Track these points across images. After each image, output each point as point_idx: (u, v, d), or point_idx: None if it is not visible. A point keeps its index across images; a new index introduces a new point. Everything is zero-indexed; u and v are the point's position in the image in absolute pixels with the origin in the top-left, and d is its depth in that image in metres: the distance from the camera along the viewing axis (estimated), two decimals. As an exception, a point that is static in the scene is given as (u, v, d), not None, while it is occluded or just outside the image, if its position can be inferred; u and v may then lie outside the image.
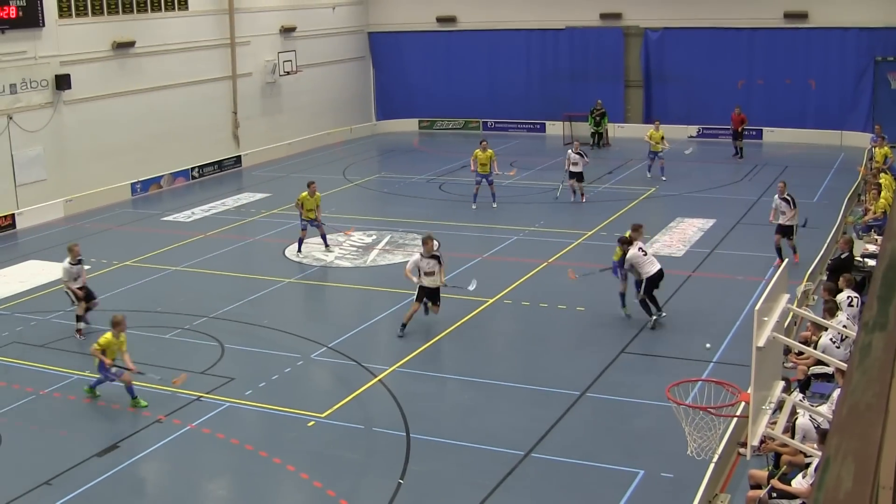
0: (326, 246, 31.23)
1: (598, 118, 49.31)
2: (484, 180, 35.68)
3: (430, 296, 23.59)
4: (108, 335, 19.90)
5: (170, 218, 36.61)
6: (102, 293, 26.21)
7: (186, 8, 43.18)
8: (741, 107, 45.55)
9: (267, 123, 48.07)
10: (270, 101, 49.03)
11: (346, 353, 22.26)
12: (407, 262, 24.53)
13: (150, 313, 25.42)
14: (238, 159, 46.39)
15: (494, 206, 35.93)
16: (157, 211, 37.92)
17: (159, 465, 18.06)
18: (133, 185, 40.67)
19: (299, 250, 30.92)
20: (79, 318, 24.18)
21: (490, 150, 35.69)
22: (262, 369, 21.45)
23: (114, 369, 19.77)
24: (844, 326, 17.89)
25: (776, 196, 27.80)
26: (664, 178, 39.65)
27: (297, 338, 23.35)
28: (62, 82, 37.21)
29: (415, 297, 23.52)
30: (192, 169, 43.70)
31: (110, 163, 39.42)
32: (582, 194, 36.72)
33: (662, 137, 39.53)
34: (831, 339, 18.09)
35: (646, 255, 23.54)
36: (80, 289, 24.24)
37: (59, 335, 23.98)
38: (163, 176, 42.15)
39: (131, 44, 40.33)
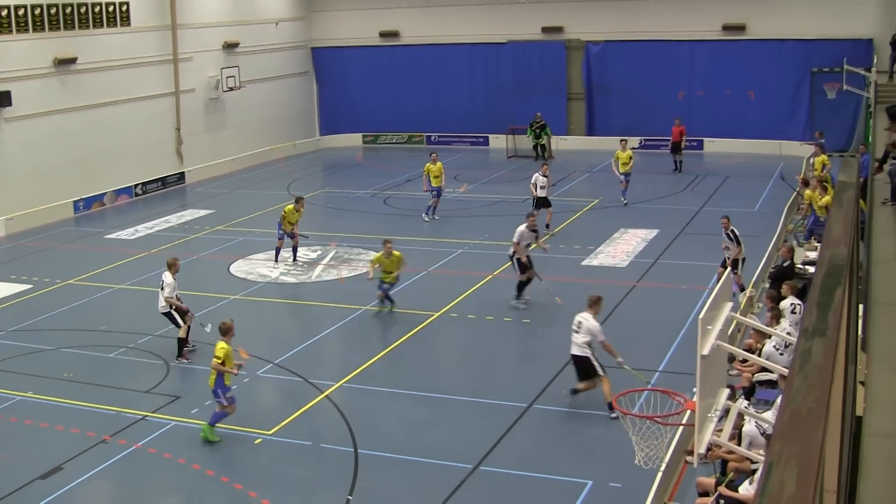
0: (295, 259, 31.40)
1: (537, 130, 49.50)
2: (436, 192, 36.01)
3: None
4: (224, 344, 19.09)
5: (113, 236, 36.37)
6: (46, 312, 26.08)
7: (129, 24, 42.96)
8: (681, 118, 45.83)
9: (210, 139, 47.90)
10: (214, 116, 48.87)
11: (293, 369, 22.21)
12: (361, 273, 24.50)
13: (94, 332, 25.24)
14: (181, 176, 46.19)
15: (426, 218, 36.07)
16: (101, 229, 37.66)
17: (105, 486, 17.87)
18: (76, 202, 40.38)
19: (276, 260, 31.27)
20: (183, 342, 23.34)
21: (440, 163, 35.84)
22: (208, 387, 21.30)
23: (228, 394, 18.90)
24: (788, 333, 18.05)
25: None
26: (625, 202, 38.00)
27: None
28: (2, 99, 36.89)
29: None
30: (136, 186, 43.44)
31: (52, 180, 39.11)
32: (547, 225, 34.01)
33: (630, 158, 38.54)
34: (775, 347, 18.25)
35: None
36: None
37: (1, 355, 23.72)
38: (106, 193, 41.86)
39: (73, 60, 40.05)
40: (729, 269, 20.91)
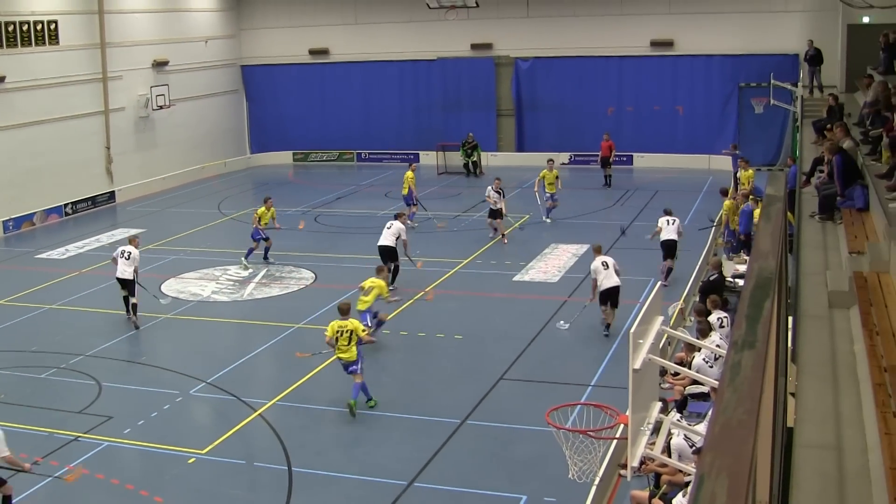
0: (266, 258, 32.89)
1: (469, 150, 49.71)
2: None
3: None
4: (379, 280, 24.01)
5: (43, 255, 36.04)
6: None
7: (57, 42, 42.62)
8: (610, 133, 46.23)
9: (141, 158, 47.59)
10: (144, 135, 48.57)
11: (226, 388, 22.13)
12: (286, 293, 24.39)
13: (25, 353, 25.00)
14: (112, 195, 45.84)
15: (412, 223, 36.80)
16: (31, 248, 37.29)
17: (37, 507, 17.72)
18: (5, 222, 39.96)
19: (246, 258, 32.53)
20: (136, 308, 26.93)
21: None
22: (141, 407, 21.20)
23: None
24: (718, 346, 18.24)
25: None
26: (548, 220, 38.24)
27: (176, 374, 23.15)
28: (-72, 119, 36.52)
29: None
30: (66, 205, 43.07)
31: (-20, 200, 38.73)
32: (503, 234, 35.34)
33: (557, 177, 38.64)
34: (704, 359, 18.41)
35: (606, 268, 24.43)
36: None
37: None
38: (35, 213, 41.47)
39: (1, 79, 39.67)
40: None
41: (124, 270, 26.61)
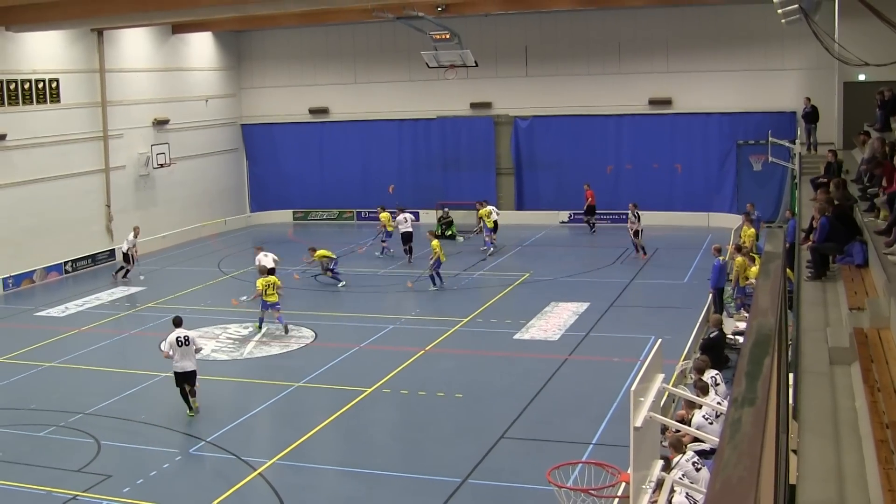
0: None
1: (444, 226, 49.19)
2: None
3: None
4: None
5: (43, 313, 36.03)
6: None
7: (58, 101, 42.85)
8: (589, 183, 48.39)
9: (141, 216, 47.58)
10: (144, 193, 48.71)
11: (225, 446, 22.05)
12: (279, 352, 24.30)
13: (24, 411, 24.94)
14: (112, 253, 45.87)
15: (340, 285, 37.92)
16: (30, 306, 37.29)
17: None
18: (5, 280, 40.00)
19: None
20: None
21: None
22: (140, 466, 21.12)
23: None
24: (718, 403, 18.22)
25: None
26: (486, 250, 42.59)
27: (175, 432, 23.08)
28: (-70, 177, 36.64)
29: None
30: (66, 263, 43.13)
31: (-20, 258, 38.79)
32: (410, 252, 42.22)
33: (489, 214, 42.04)
34: (704, 417, 18.38)
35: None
36: None
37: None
38: (35, 270, 41.51)
39: (2, 137, 39.85)
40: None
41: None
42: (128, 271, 40.58)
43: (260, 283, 31.29)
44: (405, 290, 37.15)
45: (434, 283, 36.74)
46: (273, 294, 31.10)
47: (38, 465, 21.16)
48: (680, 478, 15.06)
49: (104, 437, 22.86)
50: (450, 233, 48.90)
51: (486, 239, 44.30)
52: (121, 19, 42.14)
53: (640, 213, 42.29)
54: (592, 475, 16.58)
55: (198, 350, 24.42)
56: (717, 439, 14.70)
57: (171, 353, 23.83)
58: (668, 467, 15.06)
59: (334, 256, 38.64)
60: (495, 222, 44.30)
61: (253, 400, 25.59)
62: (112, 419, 24.11)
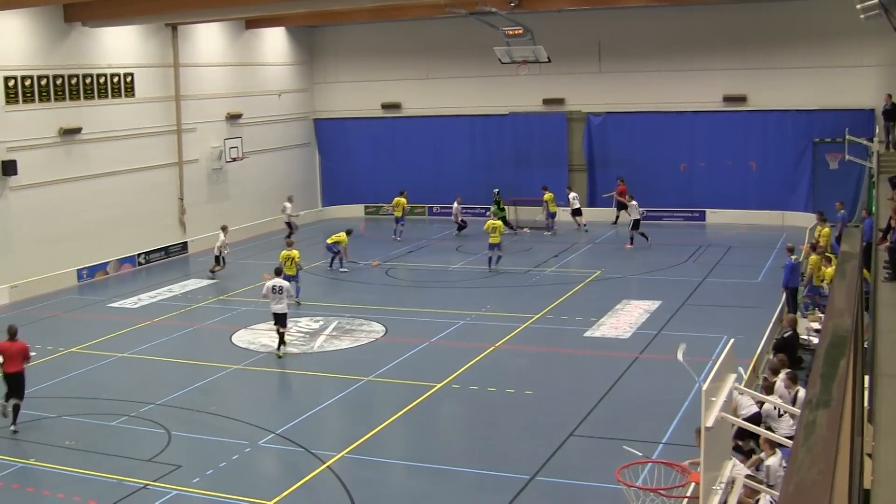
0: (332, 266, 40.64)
1: (495, 209, 48.84)
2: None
3: None
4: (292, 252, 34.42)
5: (116, 304, 36.39)
6: (48, 380, 26.01)
7: (133, 95, 43.25)
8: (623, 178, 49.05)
9: (213, 210, 47.95)
10: (216, 187, 49.05)
11: (294, 439, 22.12)
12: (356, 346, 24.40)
13: (97, 400, 25.16)
14: (184, 245, 46.30)
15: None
16: (104, 297, 37.69)
17: (106, 555, 17.78)
18: (79, 271, 40.46)
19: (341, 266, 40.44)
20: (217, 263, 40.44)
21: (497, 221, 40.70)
22: (210, 457, 21.25)
23: None
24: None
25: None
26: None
27: (245, 424, 23.18)
28: (8, 168, 37.05)
29: None
30: (139, 255, 43.56)
31: (56, 249, 39.22)
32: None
33: (553, 200, 43.22)
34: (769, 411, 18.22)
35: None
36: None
37: (2, 423, 23.63)
38: (109, 262, 41.96)
39: (78, 130, 40.28)
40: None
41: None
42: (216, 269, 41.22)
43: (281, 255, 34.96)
44: (476, 286, 37.11)
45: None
46: (291, 268, 34.08)
47: (110, 453, 21.36)
48: (751, 473, 14.87)
49: (175, 427, 23.03)
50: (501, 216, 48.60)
51: (547, 223, 47.95)
52: (195, 14, 42.54)
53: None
54: (662, 475, 16.45)
55: (289, 296, 29.43)
56: (781, 437, 14.51)
57: (268, 296, 28.85)
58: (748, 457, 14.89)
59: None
60: (578, 209, 48.57)
61: (322, 393, 25.65)
62: (183, 410, 24.29)
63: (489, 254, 40.01)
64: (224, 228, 41.50)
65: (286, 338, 29.41)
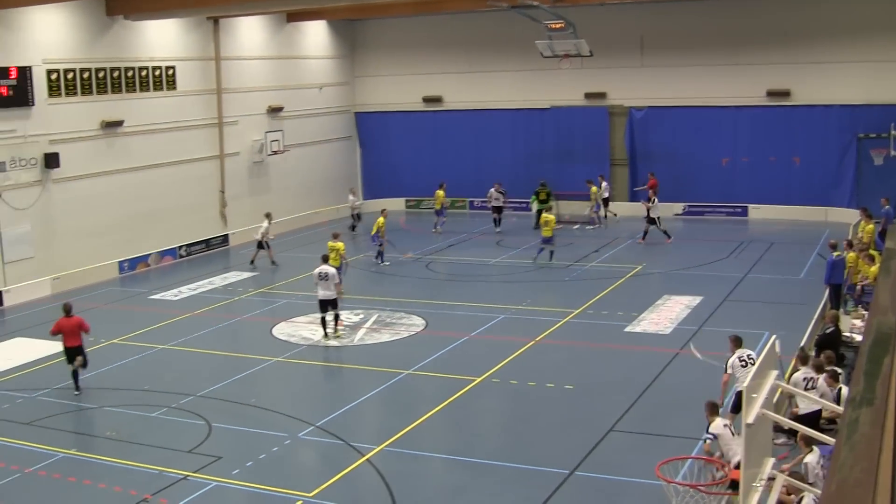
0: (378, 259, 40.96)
1: (544, 198, 48.72)
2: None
3: None
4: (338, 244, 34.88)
5: (157, 296, 36.58)
6: (90, 371, 26.14)
7: (175, 88, 43.46)
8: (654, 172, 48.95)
9: (254, 202, 48.10)
10: (258, 180, 49.20)
11: (334, 431, 22.16)
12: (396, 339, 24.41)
13: (137, 391, 25.32)
14: (225, 238, 46.49)
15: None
16: (145, 289, 37.90)
17: (145, 546, 17.86)
18: (120, 263, 40.70)
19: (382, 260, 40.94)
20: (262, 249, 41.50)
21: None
22: (250, 448, 21.32)
23: None
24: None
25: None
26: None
27: (285, 417, 23.24)
28: (51, 161, 37.31)
29: None
30: (180, 247, 43.77)
31: (98, 241, 39.48)
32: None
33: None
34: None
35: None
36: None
37: (45, 413, 23.85)
38: (150, 254, 42.20)
39: (119, 123, 40.52)
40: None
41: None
42: (256, 258, 41.59)
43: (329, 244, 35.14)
44: (517, 281, 37.08)
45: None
46: (336, 259, 33.90)
47: (150, 444, 21.49)
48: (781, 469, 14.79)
49: (215, 419, 23.12)
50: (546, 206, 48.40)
51: (593, 215, 49.23)
52: (236, 8, 42.66)
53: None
54: (702, 471, 16.37)
55: (336, 283, 29.95)
56: (823, 435, 14.41)
57: (316, 283, 29.93)
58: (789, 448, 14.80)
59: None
60: (606, 199, 49.45)
61: (362, 386, 25.68)
62: (223, 402, 24.38)
63: (541, 246, 40.13)
64: (268, 216, 41.78)
65: (339, 328, 30.47)
